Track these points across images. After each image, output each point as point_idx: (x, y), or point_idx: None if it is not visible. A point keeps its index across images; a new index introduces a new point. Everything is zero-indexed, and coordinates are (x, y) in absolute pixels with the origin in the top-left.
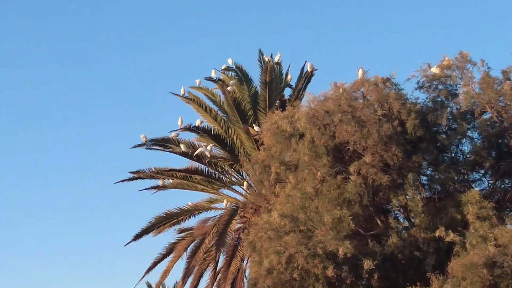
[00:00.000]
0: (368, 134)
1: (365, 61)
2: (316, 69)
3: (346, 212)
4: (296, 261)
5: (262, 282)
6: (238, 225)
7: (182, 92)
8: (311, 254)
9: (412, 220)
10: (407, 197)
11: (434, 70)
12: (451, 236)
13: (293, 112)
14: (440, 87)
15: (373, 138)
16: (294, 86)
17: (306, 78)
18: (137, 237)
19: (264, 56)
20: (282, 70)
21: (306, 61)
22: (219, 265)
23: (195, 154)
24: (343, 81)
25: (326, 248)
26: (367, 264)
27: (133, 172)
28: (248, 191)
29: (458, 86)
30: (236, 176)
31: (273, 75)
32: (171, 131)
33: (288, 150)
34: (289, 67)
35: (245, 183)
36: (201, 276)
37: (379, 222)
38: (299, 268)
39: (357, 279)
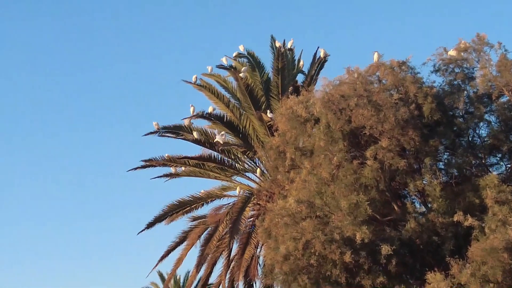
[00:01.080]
0: (384, 118)
1: (380, 46)
2: (329, 55)
3: (363, 197)
4: (313, 247)
5: (279, 268)
6: (252, 212)
7: (194, 79)
8: (328, 239)
9: (429, 205)
10: (424, 181)
11: (451, 53)
12: (470, 221)
13: (308, 97)
14: (456, 70)
15: (390, 122)
16: (306, 72)
17: (319, 64)
18: (150, 225)
19: (276, 42)
20: (294, 56)
21: (318, 47)
22: (233, 253)
23: (215, 141)
24: (357, 66)
25: (343, 233)
26: (385, 249)
27: (146, 160)
28: (261, 178)
29: (475, 69)
30: (249, 163)
31: (285, 61)
32: (183, 119)
33: (303, 136)
34: (301, 53)
35: (258, 170)
36: (214, 264)
37: (395, 208)
38: (316, 254)
39: (374, 264)
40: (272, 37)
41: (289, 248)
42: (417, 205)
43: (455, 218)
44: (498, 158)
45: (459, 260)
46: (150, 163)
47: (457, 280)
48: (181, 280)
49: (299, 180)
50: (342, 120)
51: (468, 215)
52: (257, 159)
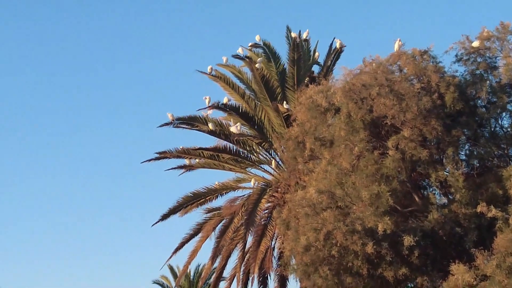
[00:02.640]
0: (407, 107)
1: (399, 35)
2: (345, 46)
3: (385, 188)
4: (334, 237)
5: (299, 260)
6: (267, 204)
7: (209, 70)
8: (349, 230)
9: (451, 196)
10: (446, 172)
11: (475, 44)
12: (493, 212)
13: (329, 86)
14: (479, 59)
15: (412, 112)
16: (322, 63)
17: (335, 54)
18: (165, 216)
19: (292, 33)
20: (310, 47)
21: (334, 38)
22: (248, 245)
23: (230, 131)
24: (378, 55)
25: (364, 224)
26: (408, 240)
27: (160, 152)
28: (276, 170)
29: (497, 58)
30: (264, 155)
31: (301, 52)
32: (199, 109)
33: (323, 125)
34: (317, 44)
35: (273, 162)
36: (229, 256)
37: (416, 199)
38: (338, 245)
39: (396, 256)
40: (287, 27)
41: (310, 239)
42: (438, 197)
43: (478, 209)
44: None
45: (484, 251)
46: (164, 155)
47: (482, 271)
48: (192, 274)
49: (320, 170)
50: (364, 109)
51: (492, 206)
52: (272, 150)
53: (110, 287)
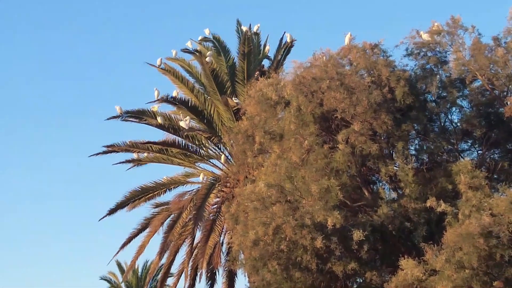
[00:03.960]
0: (357, 101)
1: (350, 30)
2: (296, 40)
3: (334, 182)
4: (283, 232)
5: (248, 254)
6: (216, 199)
7: (158, 63)
8: (299, 225)
9: (400, 191)
10: (395, 167)
11: (424, 36)
12: (443, 206)
13: (279, 80)
14: (429, 54)
15: (363, 105)
16: (272, 58)
17: (285, 49)
18: (112, 211)
19: (242, 27)
20: (260, 41)
21: (285, 32)
22: (196, 240)
23: (179, 126)
24: (328, 48)
25: (314, 218)
26: (357, 235)
27: (108, 146)
28: (225, 165)
29: (448, 53)
30: (214, 149)
31: (251, 46)
32: (147, 103)
33: (273, 119)
34: (267, 38)
35: (222, 156)
36: (177, 251)
37: (366, 193)
38: (287, 239)
39: (346, 250)
40: (237, 21)
41: (259, 233)
42: (387, 191)
43: (428, 204)
44: (469, 144)
45: (434, 246)
46: (112, 149)
47: (431, 266)
48: (140, 270)
49: (269, 164)
50: (314, 103)
51: (441, 201)
52: (221, 145)
53: (56, 284)
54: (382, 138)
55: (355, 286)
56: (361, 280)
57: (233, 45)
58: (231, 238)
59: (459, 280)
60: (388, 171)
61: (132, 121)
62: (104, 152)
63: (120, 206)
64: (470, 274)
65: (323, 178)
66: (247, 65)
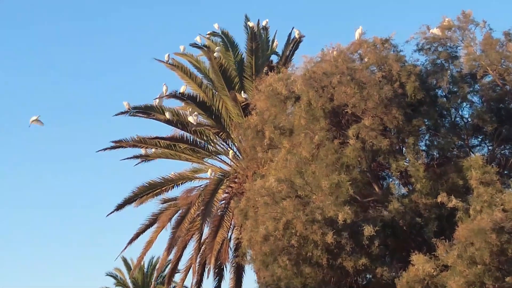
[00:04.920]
0: (368, 96)
1: (358, 26)
2: (304, 36)
3: (345, 177)
4: (294, 227)
5: (258, 249)
6: (224, 195)
7: (166, 58)
8: (309, 220)
9: (410, 187)
10: (406, 162)
11: (435, 31)
12: (454, 202)
13: (289, 74)
14: (440, 49)
15: (374, 100)
16: (280, 53)
17: (293, 44)
18: (120, 207)
19: (250, 22)
20: (268, 37)
21: (293, 28)
22: (204, 236)
23: (187, 121)
24: (338, 43)
25: (324, 214)
26: (368, 230)
27: (115, 141)
28: (233, 161)
29: (458, 48)
30: (222, 145)
31: (260, 41)
32: (155, 98)
33: (283, 114)
34: (275, 33)
35: (230, 152)
36: (185, 247)
37: (376, 189)
38: (297, 235)
39: (356, 246)
40: (246, 16)
41: (269, 229)
42: (397, 187)
43: (439, 199)
44: (480, 140)
45: (445, 241)
46: (120, 144)
47: (443, 261)
48: (146, 266)
49: (279, 159)
50: (324, 97)
51: (452, 196)
52: (230, 141)
53: (62, 281)
54: (393, 134)
55: (365, 282)
56: (371, 276)
57: (241, 40)
58: (240, 233)
59: (471, 276)
60: (399, 167)
61: (140, 116)
62: (112, 148)
63: (128, 201)
64: (482, 270)
65: (333, 173)
66: (255, 61)
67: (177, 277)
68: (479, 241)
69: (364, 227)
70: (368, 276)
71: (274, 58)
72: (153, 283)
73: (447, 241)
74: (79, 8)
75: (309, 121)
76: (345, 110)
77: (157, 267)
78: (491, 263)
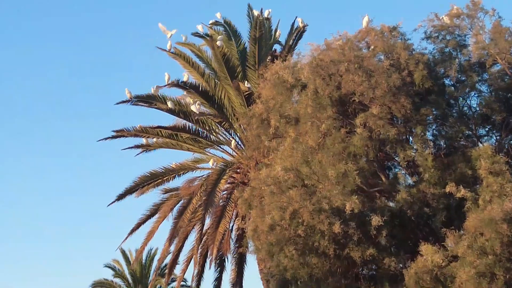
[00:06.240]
0: (376, 84)
1: (364, 15)
2: (307, 25)
3: (352, 167)
4: (300, 216)
5: (264, 239)
6: (226, 185)
7: (168, 47)
8: (316, 209)
9: (418, 177)
10: (413, 151)
11: (444, 19)
12: (462, 192)
13: (295, 62)
14: (448, 37)
15: (382, 89)
16: (283, 43)
17: (297, 34)
18: (121, 197)
19: (253, 11)
20: (271, 26)
21: (296, 17)
22: (206, 226)
23: (190, 110)
24: (345, 31)
25: (331, 203)
26: (376, 220)
27: (117, 131)
28: (236, 151)
29: (467, 36)
30: (224, 135)
31: (263, 30)
32: (157, 87)
33: (289, 102)
34: (278, 22)
35: (232, 142)
36: (186, 237)
37: (383, 178)
38: (304, 224)
39: (364, 236)
40: (249, 5)
41: (275, 218)
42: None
43: (447, 189)
44: (487, 130)
45: (455, 232)
46: (121, 134)
47: (452, 252)
48: (144, 258)
49: (285, 148)
50: (331, 86)
51: (461, 186)
52: (232, 130)
53: (60, 272)
54: (400, 123)
55: (373, 272)
56: (379, 266)
57: (244, 29)
58: (245, 223)
59: (482, 267)
60: (407, 156)
61: (141, 105)
62: (113, 137)
63: (129, 191)
64: (493, 260)
65: (340, 163)
66: (258, 50)
67: (178, 269)
68: (490, 231)
69: (372, 217)
70: (374, 266)
71: (277, 48)
72: (153, 275)
73: (457, 231)
74: None
75: (315, 109)
76: (353, 99)
77: (157, 258)
78: (502, 254)
